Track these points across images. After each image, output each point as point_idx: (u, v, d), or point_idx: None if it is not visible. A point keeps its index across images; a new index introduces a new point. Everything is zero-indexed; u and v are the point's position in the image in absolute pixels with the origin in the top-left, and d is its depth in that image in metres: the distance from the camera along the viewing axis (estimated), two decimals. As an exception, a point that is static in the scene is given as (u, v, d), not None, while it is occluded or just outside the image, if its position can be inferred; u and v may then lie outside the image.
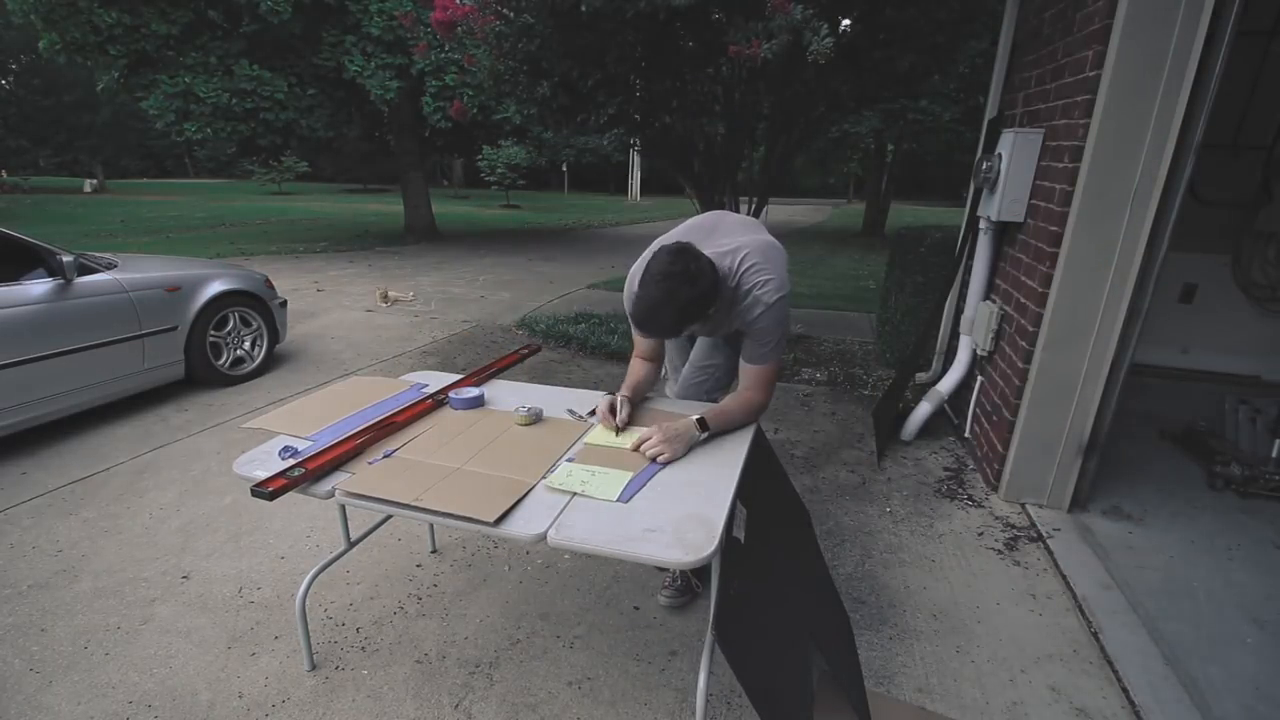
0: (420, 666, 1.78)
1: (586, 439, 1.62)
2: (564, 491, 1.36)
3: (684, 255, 1.51)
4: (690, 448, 1.55)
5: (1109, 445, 2.50)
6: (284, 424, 1.67)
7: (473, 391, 1.83)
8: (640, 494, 1.36)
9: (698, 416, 1.59)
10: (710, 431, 1.59)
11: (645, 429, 1.57)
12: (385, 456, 1.50)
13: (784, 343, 1.76)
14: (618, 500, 1.32)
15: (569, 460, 1.50)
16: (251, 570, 2.18)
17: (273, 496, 1.32)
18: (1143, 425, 3.22)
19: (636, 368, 1.87)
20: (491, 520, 1.24)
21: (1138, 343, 2.33)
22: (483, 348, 4.84)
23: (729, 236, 1.75)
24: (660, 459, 1.49)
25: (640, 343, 1.88)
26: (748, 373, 1.73)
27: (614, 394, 1.73)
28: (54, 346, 2.96)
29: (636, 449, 1.52)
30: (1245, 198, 3.44)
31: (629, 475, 1.41)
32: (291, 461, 1.45)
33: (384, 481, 1.39)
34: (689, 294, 1.49)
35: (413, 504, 1.30)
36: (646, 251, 1.72)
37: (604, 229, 15.39)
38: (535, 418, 1.70)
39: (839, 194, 33.88)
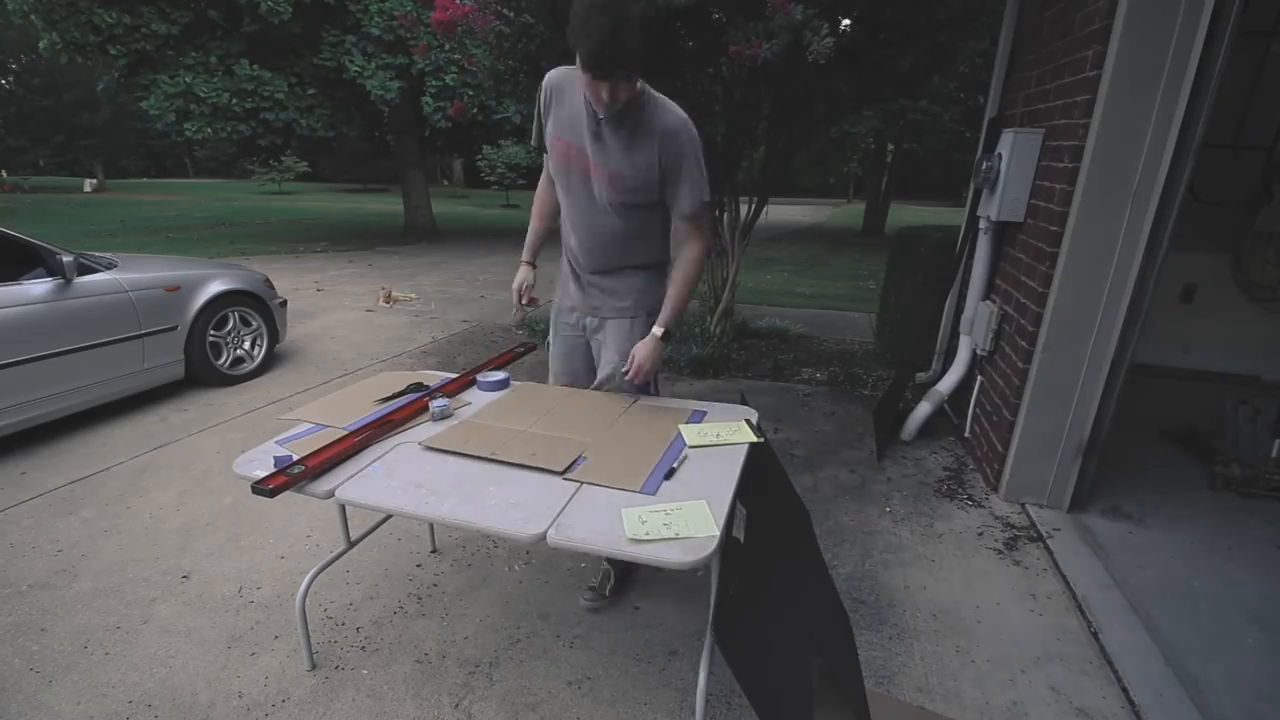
0: (420, 666, 1.78)
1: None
2: (654, 541, 1.19)
3: None
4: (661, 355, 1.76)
5: (1109, 445, 2.50)
6: (320, 414, 1.72)
7: (498, 375, 1.97)
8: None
9: (659, 331, 1.73)
10: (670, 331, 1.76)
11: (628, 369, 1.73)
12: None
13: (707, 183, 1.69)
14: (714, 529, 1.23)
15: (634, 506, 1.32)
16: (251, 570, 2.18)
17: (274, 493, 1.33)
18: (1143, 425, 3.22)
19: (536, 224, 1.95)
20: (560, 470, 1.42)
21: (1138, 343, 2.33)
22: (482, 347, 4.84)
23: None
24: (638, 381, 1.72)
25: (541, 200, 1.93)
26: (683, 222, 1.70)
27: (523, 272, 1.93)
28: (54, 346, 2.96)
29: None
30: (1245, 198, 3.44)
31: (704, 504, 1.30)
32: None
33: (465, 439, 1.56)
34: (638, 9, 1.39)
35: (490, 457, 1.47)
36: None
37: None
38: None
39: (839, 194, 33.88)
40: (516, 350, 2.28)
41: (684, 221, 1.70)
